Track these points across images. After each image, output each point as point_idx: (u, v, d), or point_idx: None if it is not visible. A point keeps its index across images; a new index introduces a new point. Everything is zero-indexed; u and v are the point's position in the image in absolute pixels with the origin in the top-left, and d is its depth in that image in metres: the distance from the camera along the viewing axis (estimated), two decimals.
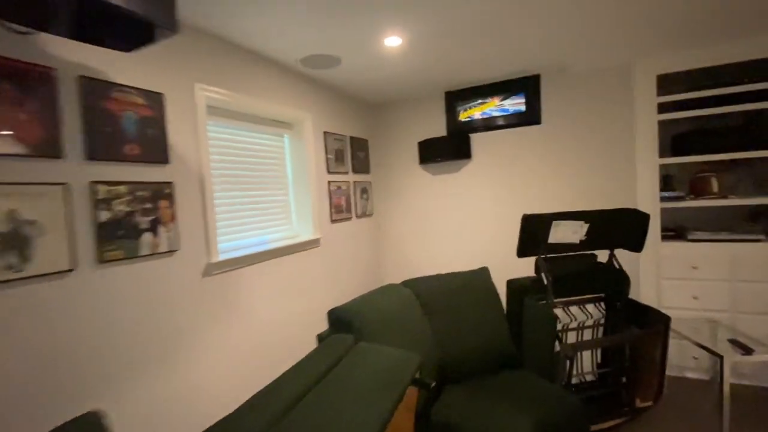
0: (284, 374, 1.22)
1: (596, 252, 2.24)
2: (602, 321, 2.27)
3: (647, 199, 2.75)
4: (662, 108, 2.69)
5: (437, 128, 3.47)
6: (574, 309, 2.25)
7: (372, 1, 1.72)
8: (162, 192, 1.67)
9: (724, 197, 2.62)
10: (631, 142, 2.82)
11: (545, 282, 2.05)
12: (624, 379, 2.20)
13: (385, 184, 3.75)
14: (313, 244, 2.75)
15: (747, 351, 1.94)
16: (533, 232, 2.02)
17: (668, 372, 2.68)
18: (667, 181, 2.85)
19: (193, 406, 1.79)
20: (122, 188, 1.52)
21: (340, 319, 1.66)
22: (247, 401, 1.06)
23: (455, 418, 1.64)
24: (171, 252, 1.73)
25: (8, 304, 1.21)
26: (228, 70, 2.08)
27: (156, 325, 1.65)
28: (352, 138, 3.32)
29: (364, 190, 3.52)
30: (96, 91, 1.45)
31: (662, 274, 2.73)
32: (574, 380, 2.20)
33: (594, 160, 2.96)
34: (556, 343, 1.90)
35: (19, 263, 1.22)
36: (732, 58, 2.47)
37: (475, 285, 2.21)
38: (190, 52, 1.86)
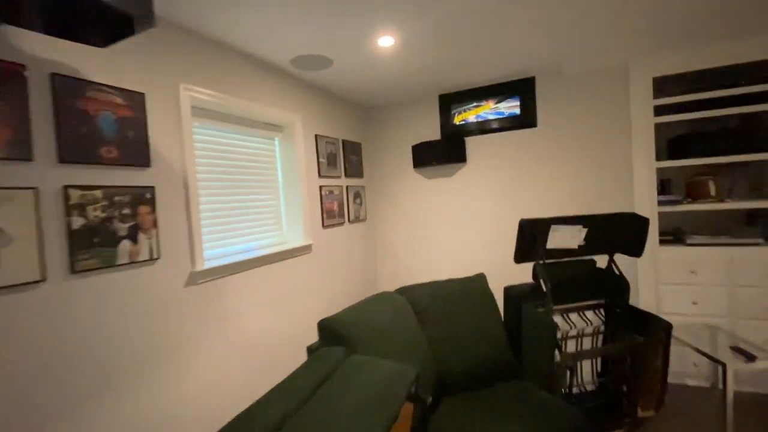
0: (269, 393, 1.14)
1: (595, 257, 2.19)
2: (602, 328, 2.21)
3: (644, 202, 2.71)
4: (658, 110, 2.66)
5: (432, 131, 3.42)
6: (573, 316, 2.19)
7: None
8: (142, 197, 1.58)
9: (722, 201, 2.59)
10: (628, 145, 2.79)
11: (544, 288, 1.99)
12: (625, 388, 2.14)
13: (379, 188, 3.67)
14: (304, 250, 2.66)
15: (749, 358, 1.90)
16: (531, 237, 1.96)
17: (668, 379, 2.63)
18: (664, 185, 2.82)
19: (173, 425, 1.69)
20: (98, 193, 1.42)
21: (330, 331, 1.57)
22: (227, 425, 0.97)
23: None
24: (152, 260, 1.63)
25: None
26: (215, 71, 2.00)
27: (135, 338, 1.56)
28: (344, 141, 3.25)
29: (357, 195, 3.44)
30: (70, 89, 1.36)
31: (661, 279, 2.69)
32: (574, 390, 2.13)
33: (590, 163, 2.92)
34: (556, 351, 1.83)
35: None
36: (728, 60, 2.45)
37: (471, 292, 2.14)
38: (174, 51, 1.78)
